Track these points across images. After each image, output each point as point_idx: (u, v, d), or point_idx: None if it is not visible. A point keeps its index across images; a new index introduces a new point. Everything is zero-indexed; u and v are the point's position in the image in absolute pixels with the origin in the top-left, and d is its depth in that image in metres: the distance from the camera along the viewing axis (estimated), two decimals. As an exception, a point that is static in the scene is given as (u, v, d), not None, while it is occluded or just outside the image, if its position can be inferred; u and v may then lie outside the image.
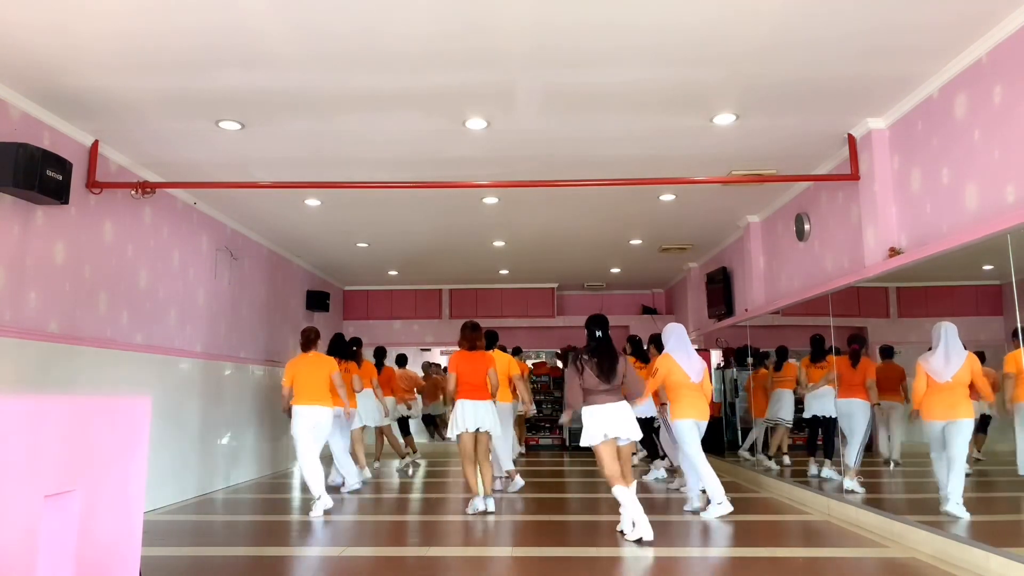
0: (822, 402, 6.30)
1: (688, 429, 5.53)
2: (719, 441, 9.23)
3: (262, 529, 5.27)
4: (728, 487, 7.13)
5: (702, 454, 5.52)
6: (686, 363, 5.70)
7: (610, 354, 4.90)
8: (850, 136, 5.45)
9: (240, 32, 3.88)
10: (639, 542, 4.47)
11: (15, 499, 1.60)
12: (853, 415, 5.56)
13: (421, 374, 10.87)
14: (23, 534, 1.62)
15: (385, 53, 4.14)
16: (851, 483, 5.41)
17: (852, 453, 5.48)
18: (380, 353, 9.00)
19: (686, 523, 5.33)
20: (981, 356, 4.32)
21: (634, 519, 4.56)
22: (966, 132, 4.27)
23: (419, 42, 4.01)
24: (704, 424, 5.62)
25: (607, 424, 4.75)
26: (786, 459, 7.21)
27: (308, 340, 6.18)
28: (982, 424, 4.45)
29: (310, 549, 4.56)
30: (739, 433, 8.67)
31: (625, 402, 4.86)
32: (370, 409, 8.02)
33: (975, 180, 4.20)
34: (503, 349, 8.12)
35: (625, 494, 4.64)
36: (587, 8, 3.68)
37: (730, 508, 5.34)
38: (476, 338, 5.95)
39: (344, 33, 3.91)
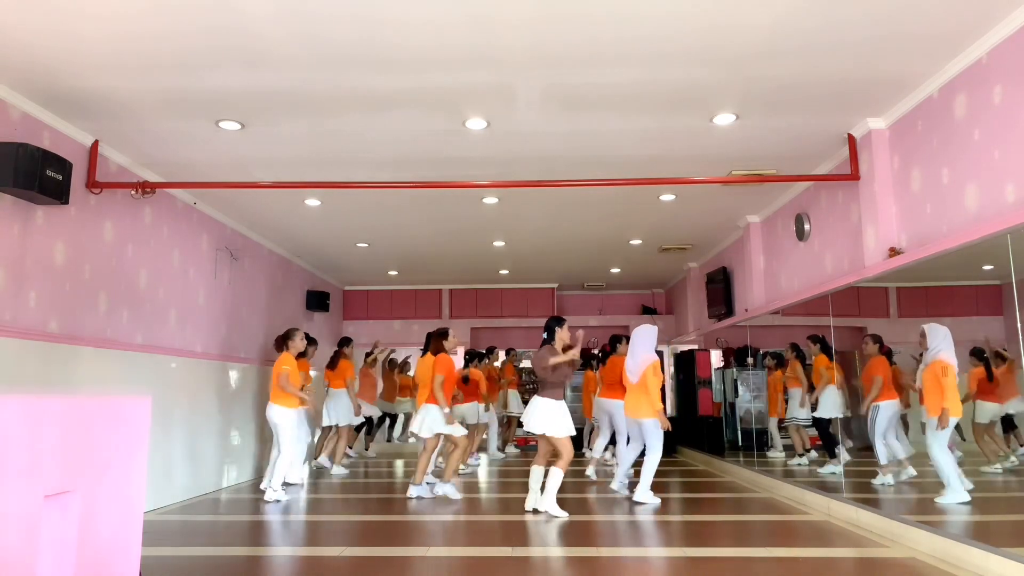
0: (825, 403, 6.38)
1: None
2: (719, 441, 9.25)
3: (262, 529, 5.27)
4: (726, 487, 7.15)
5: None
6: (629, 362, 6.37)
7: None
8: (850, 136, 5.45)
9: (240, 32, 3.88)
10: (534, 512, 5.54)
11: (15, 499, 1.60)
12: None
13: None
14: (23, 534, 1.62)
15: (385, 53, 4.14)
16: (883, 479, 5.46)
17: (879, 451, 5.48)
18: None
19: (686, 524, 5.34)
20: (1001, 356, 4.30)
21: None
22: (966, 132, 4.27)
23: (419, 42, 4.02)
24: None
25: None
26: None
27: (276, 344, 6.80)
28: (1008, 422, 4.44)
29: (310, 549, 4.55)
30: (739, 433, 8.68)
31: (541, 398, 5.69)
32: (342, 408, 8.11)
33: (975, 180, 4.20)
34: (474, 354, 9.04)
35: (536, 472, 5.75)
36: (587, 8, 3.68)
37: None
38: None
39: (344, 33, 3.91)
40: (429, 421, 6.34)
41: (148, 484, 5.79)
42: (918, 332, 4.77)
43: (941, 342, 4.52)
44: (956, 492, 4.44)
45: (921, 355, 4.73)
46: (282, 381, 6.45)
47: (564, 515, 5.41)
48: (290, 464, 6.69)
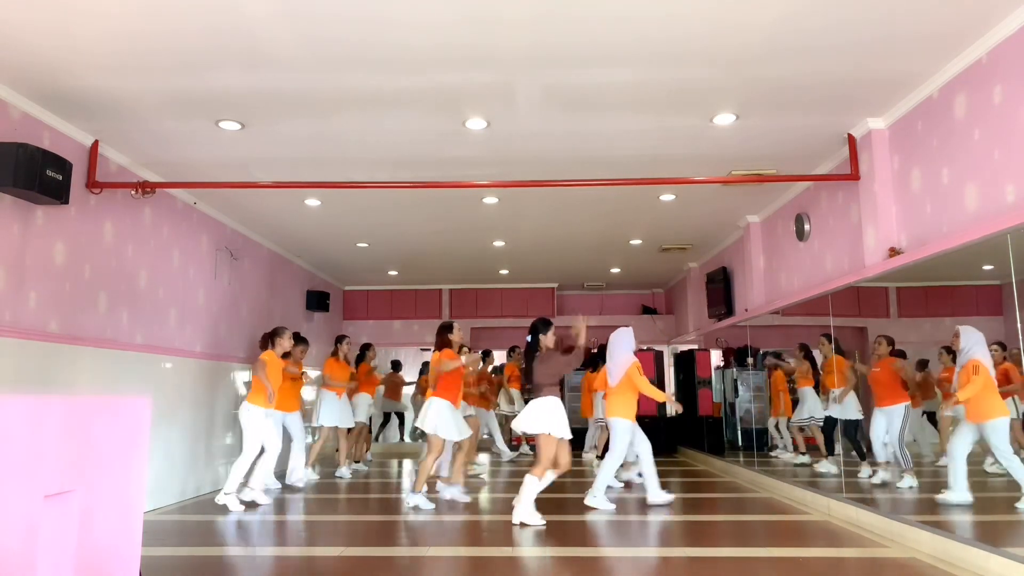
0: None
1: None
2: (719, 441, 9.25)
3: (261, 529, 5.27)
4: (727, 487, 7.15)
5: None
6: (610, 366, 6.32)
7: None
8: (850, 136, 5.45)
9: (240, 33, 3.88)
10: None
11: (15, 499, 1.60)
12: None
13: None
14: (23, 534, 1.62)
15: (385, 53, 4.14)
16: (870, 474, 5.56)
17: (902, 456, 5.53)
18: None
19: (686, 524, 5.33)
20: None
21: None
22: (966, 132, 4.27)
23: (419, 42, 4.02)
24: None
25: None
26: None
27: (262, 342, 6.67)
28: None
29: (309, 549, 4.55)
30: (739, 433, 8.68)
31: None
32: (333, 410, 8.03)
33: (975, 180, 4.20)
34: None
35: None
36: (587, 8, 3.68)
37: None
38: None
39: (344, 33, 3.91)
40: (442, 422, 5.97)
41: (148, 484, 5.79)
42: (919, 331, 4.76)
43: (975, 343, 4.43)
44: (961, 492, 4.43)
45: (954, 356, 4.70)
46: (257, 367, 6.16)
47: (540, 522, 5.12)
48: (249, 465, 6.17)
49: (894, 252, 4.92)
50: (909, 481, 5.32)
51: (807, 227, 6.62)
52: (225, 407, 7.43)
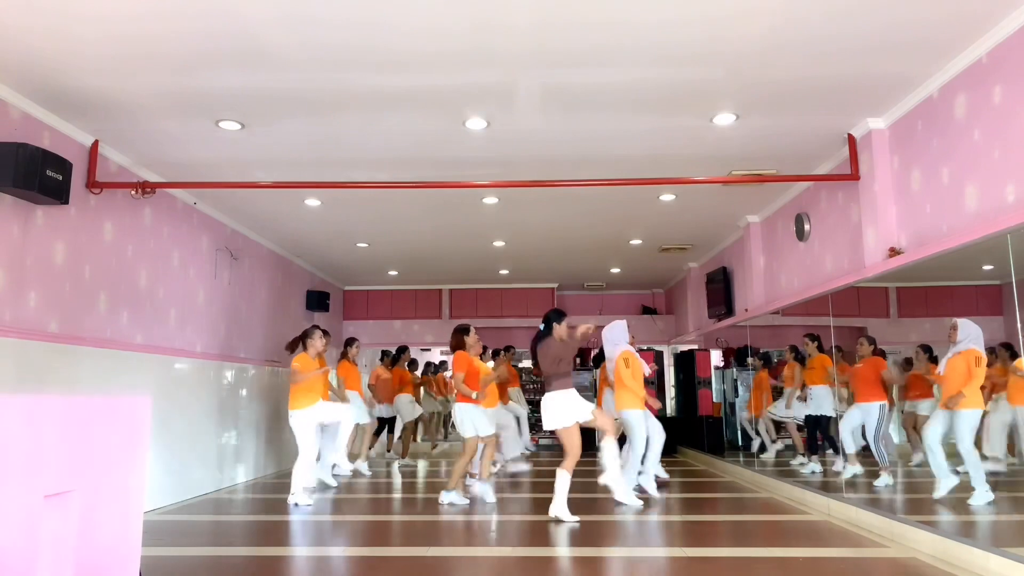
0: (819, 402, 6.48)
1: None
2: (719, 441, 9.25)
3: (262, 529, 5.27)
4: (726, 487, 7.14)
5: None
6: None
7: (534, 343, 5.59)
8: (850, 136, 5.45)
9: (240, 33, 3.88)
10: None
11: (15, 499, 1.60)
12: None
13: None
14: (23, 534, 1.61)
15: (385, 53, 4.14)
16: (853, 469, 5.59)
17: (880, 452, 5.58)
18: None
19: (686, 524, 5.33)
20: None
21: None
22: (966, 132, 4.27)
23: (419, 42, 4.02)
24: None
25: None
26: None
27: (291, 345, 6.58)
28: None
29: (310, 549, 4.55)
30: (739, 433, 8.68)
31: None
32: (353, 407, 8.07)
33: (975, 180, 4.20)
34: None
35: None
36: (587, 8, 3.68)
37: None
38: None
39: (344, 33, 3.91)
40: (465, 422, 6.00)
41: (148, 484, 5.79)
42: (919, 331, 4.76)
43: (974, 337, 4.40)
44: (983, 492, 4.38)
45: (931, 353, 4.72)
46: (293, 379, 6.15)
47: (574, 519, 5.12)
48: (309, 468, 6.25)
49: (894, 252, 4.92)
50: (886, 479, 5.38)
51: (807, 227, 6.62)
52: (225, 407, 7.43)
